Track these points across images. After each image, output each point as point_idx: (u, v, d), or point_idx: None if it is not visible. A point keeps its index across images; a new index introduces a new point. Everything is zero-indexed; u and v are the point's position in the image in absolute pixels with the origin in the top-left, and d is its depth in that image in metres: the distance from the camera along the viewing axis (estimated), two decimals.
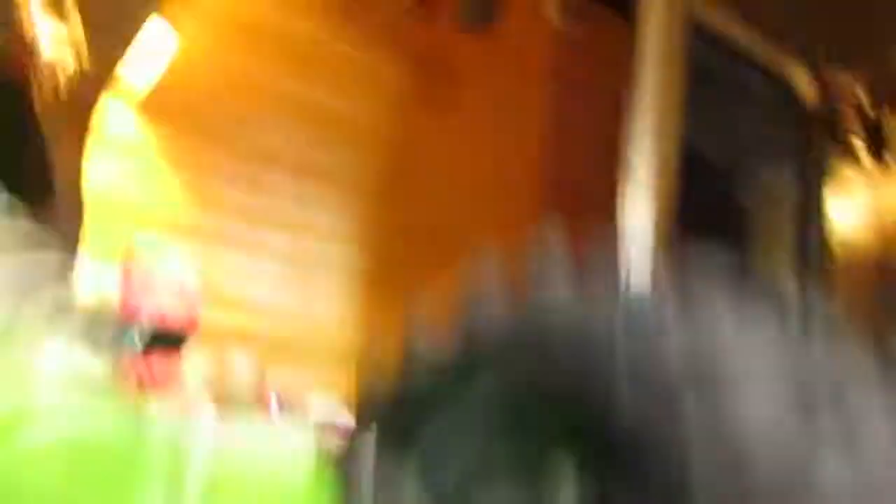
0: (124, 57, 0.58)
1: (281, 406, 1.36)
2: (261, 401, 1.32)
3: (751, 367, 0.71)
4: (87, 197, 1.73)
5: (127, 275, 1.25)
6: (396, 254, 2.31)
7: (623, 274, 1.85)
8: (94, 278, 1.38)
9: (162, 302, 1.24)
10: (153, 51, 1.70)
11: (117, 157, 1.78)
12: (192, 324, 1.27)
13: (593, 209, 2.56)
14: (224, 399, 1.26)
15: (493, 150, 2.60)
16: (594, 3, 2.82)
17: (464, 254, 2.48)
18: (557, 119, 2.80)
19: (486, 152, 2.57)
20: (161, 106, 1.83)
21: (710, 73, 3.02)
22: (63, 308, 1.12)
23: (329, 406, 1.44)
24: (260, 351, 1.95)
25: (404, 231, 2.35)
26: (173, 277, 1.25)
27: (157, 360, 1.22)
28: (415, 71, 2.40)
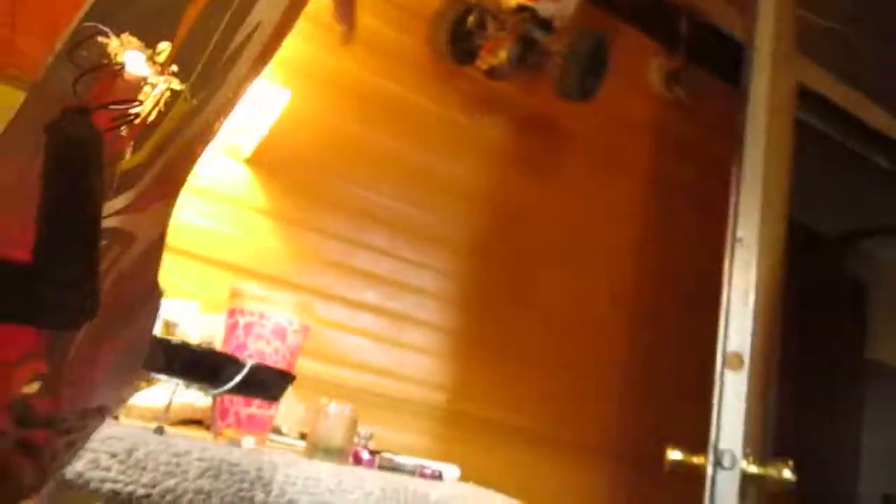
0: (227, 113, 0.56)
1: (371, 455, 1.37)
2: (352, 447, 1.33)
3: None
4: (190, 248, 1.82)
5: (232, 318, 1.30)
6: (490, 314, 2.31)
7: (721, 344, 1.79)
8: (199, 327, 1.43)
9: (263, 347, 1.28)
10: (262, 108, 1.78)
11: (221, 209, 1.88)
12: (291, 369, 1.30)
13: (695, 273, 2.49)
14: (316, 444, 1.28)
15: (594, 212, 2.58)
16: (697, 69, 2.80)
17: (560, 316, 2.47)
18: (659, 181, 2.76)
19: (586, 215, 2.56)
20: (266, 162, 1.92)
21: (822, 142, 2.92)
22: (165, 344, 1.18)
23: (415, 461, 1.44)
24: (350, 403, 1.97)
25: (499, 292, 2.34)
26: (278, 325, 1.29)
27: (254, 402, 1.26)
28: (517, 132, 2.43)
